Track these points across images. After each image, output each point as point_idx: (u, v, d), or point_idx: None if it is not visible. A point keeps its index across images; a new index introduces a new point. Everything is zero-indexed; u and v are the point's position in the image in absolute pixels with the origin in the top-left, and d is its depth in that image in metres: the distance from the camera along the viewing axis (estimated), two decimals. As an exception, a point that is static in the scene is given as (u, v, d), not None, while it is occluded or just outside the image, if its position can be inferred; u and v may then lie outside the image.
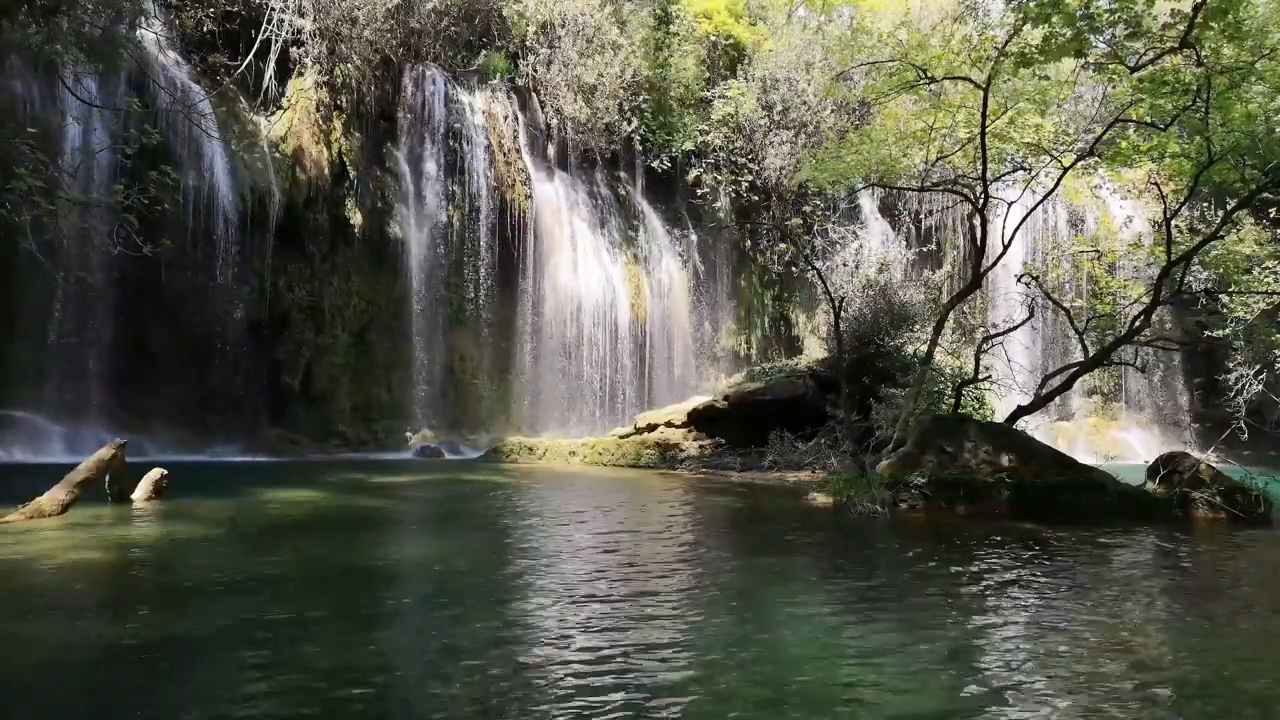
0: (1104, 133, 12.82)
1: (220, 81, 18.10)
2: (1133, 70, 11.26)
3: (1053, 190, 14.14)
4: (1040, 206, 15.30)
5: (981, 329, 20.86)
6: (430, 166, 21.89)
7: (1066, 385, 13.79)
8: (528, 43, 24.00)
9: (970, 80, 12.57)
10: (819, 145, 23.27)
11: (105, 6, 14.07)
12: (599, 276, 23.69)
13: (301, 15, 19.92)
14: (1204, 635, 4.85)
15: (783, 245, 26.79)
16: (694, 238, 26.34)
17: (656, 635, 4.48)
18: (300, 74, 20.12)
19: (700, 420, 17.69)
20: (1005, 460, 10.29)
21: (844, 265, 20.71)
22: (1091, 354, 13.45)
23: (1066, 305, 15.22)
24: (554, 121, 24.26)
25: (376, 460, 17.49)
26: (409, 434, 20.46)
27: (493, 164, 22.47)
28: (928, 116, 14.40)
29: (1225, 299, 19.32)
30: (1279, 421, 21.26)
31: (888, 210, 28.31)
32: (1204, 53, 10.39)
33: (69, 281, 15.87)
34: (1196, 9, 10.05)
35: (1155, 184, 14.83)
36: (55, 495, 7.93)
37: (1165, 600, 5.90)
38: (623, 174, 25.94)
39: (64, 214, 14.20)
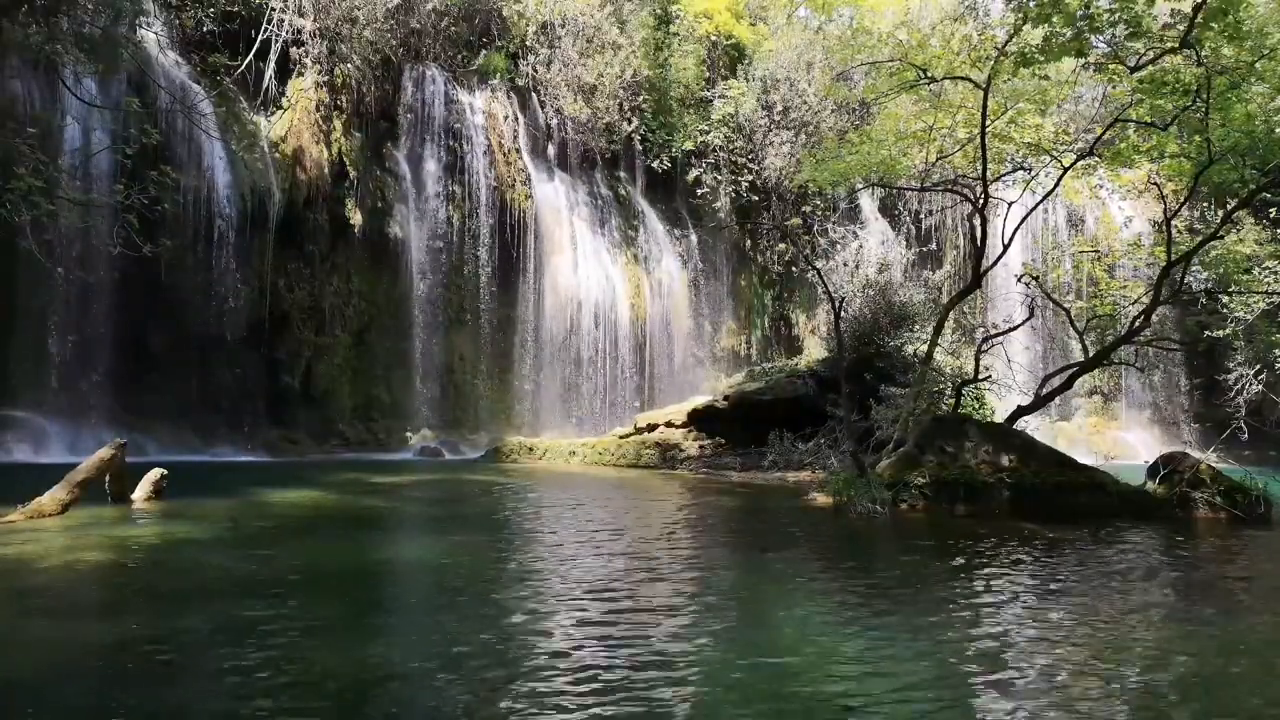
0: (1104, 133, 12.82)
1: (220, 81, 18.10)
2: (1133, 70, 11.27)
3: (1053, 190, 14.15)
4: (1040, 206, 15.31)
5: (981, 329, 20.85)
6: (430, 166, 21.89)
7: (1066, 385, 13.78)
8: (528, 43, 23.99)
9: (970, 80, 12.58)
10: (819, 145, 23.27)
11: (105, 6, 14.07)
12: (599, 276, 23.69)
13: (301, 15, 19.92)
14: (1204, 635, 4.84)
15: (783, 245, 26.80)
16: (694, 238, 26.34)
17: (655, 636, 4.48)
18: (300, 74, 20.12)
19: (700, 420, 17.68)
20: (1005, 460, 10.29)
21: (844, 265, 20.72)
22: (1091, 354, 13.45)
23: (1066, 305, 15.22)
24: (554, 121, 24.25)
25: (376, 460, 17.48)
26: (409, 434, 20.46)
27: (493, 164, 22.47)
28: (928, 116, 14.40)
29: (1225, 299, 19.33)
30: (1279, 421, 21.26)
31: (888, 210, 28.31)
32: (1204, 53, 10.39)
33: (69, 281, 15.87)
34: (1196, 9, 10.05)
35: (1155, 184, 14.84)
36: (55, 495, 7.92)
37: (1165, 600, 5.90)
38: (623, 174, 25.95)
39: (64, 214, 14.21)
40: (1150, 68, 11.13)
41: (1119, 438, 25.24)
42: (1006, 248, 13.46)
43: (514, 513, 10.06)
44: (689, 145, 25.61)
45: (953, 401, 13.57)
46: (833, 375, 15.20)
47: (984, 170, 12.45)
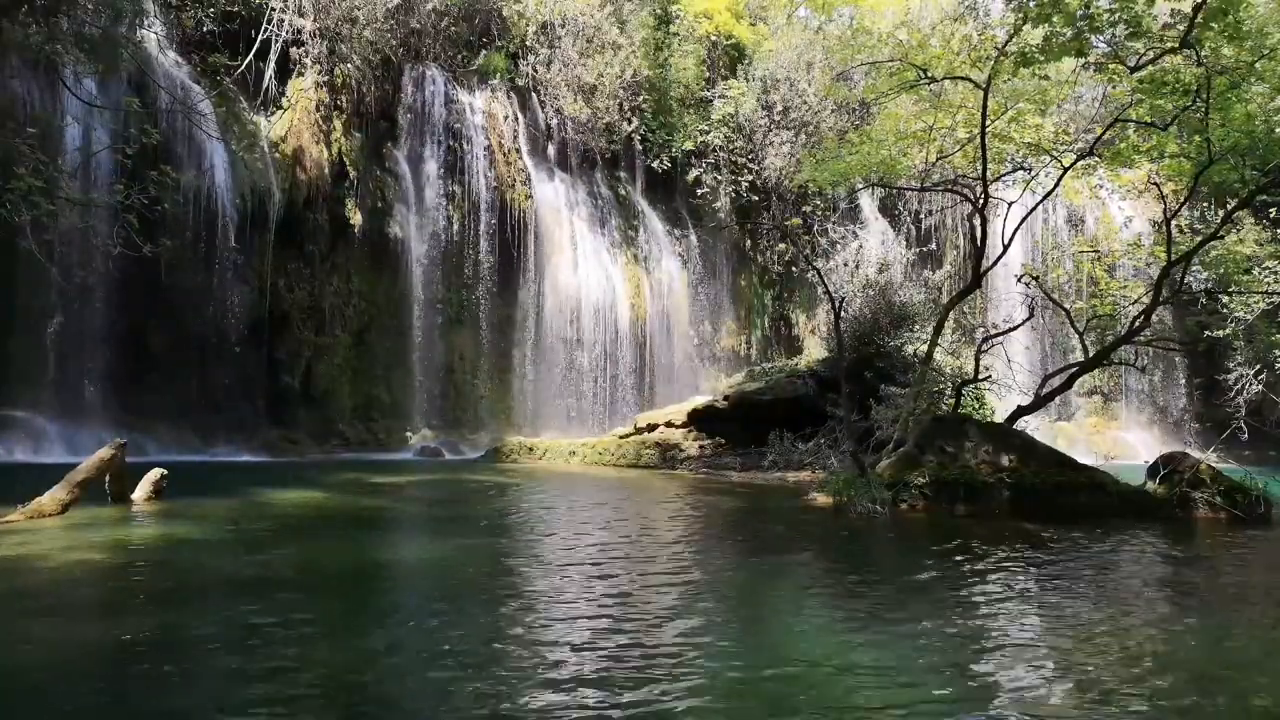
0: (1104, 133, 12.82)
1: (220, 81, 18.10)
2: (1133, 70, 11.26)
3: (1053, 190, 14.14)
4: (1040, 206, 15.30)
5: (981, 329, 20.85)
6: (430, 166, 21.89)
7: (1066, 385, 13.78)
8: (528, 43, 23.99)
9: (970, 80, 12.57)
10: (819, 145, 23.27)
11: (105, 6, 14.07)
12: (599, 276, 23.69)
13: (301, 15, 19.92)
14: (1204, 635, 4.84)
15: (783, 245, 26.81)
16: (694, 238, 26.34)
17: (657, 638, 4.48)
18: (300, 74, 20.12)
19: (700, 420, 17.68)
20: (1005, 460, 10.29)
21: (844, 265, 20.72)
22: (1091, 354, 13.45)
23: (1067, 305, 15.22)
24: (554, 121, 24.26)
25: (376, 460, 17.48)
26: (409, 434, 20.46)
27: (493, 164, 22.47)
28: (928, 116, 14.40)
29: (1225, 299, 19.34)
30: (1279, 421, 21.26)
31: (888, 210, 28.32)
32: (1204, 53, 10.39)
33: (69, 281, 15.86)
34: (1196, 9, 10.05)
35: (1155, 184, 14.84)
36: (55, 495, 7.92)
37: (1166, 600, 5.90)
38: (623, 174, 25.95)
39: (64, 214, 14.21)
40: (1150, 68, 11.13)
41: (1119, 438, 25.24)
42: (1006, 248, 13.46)
43: (514, 513, 10.06)
44: (689, 145, 25.61)
45: (953, 401, 13.57)
46: (833, 375, 15.19)
47: (984, 170, 12.45)
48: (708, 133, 25.72)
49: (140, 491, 9.00)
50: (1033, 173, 14.23)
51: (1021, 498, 9.71)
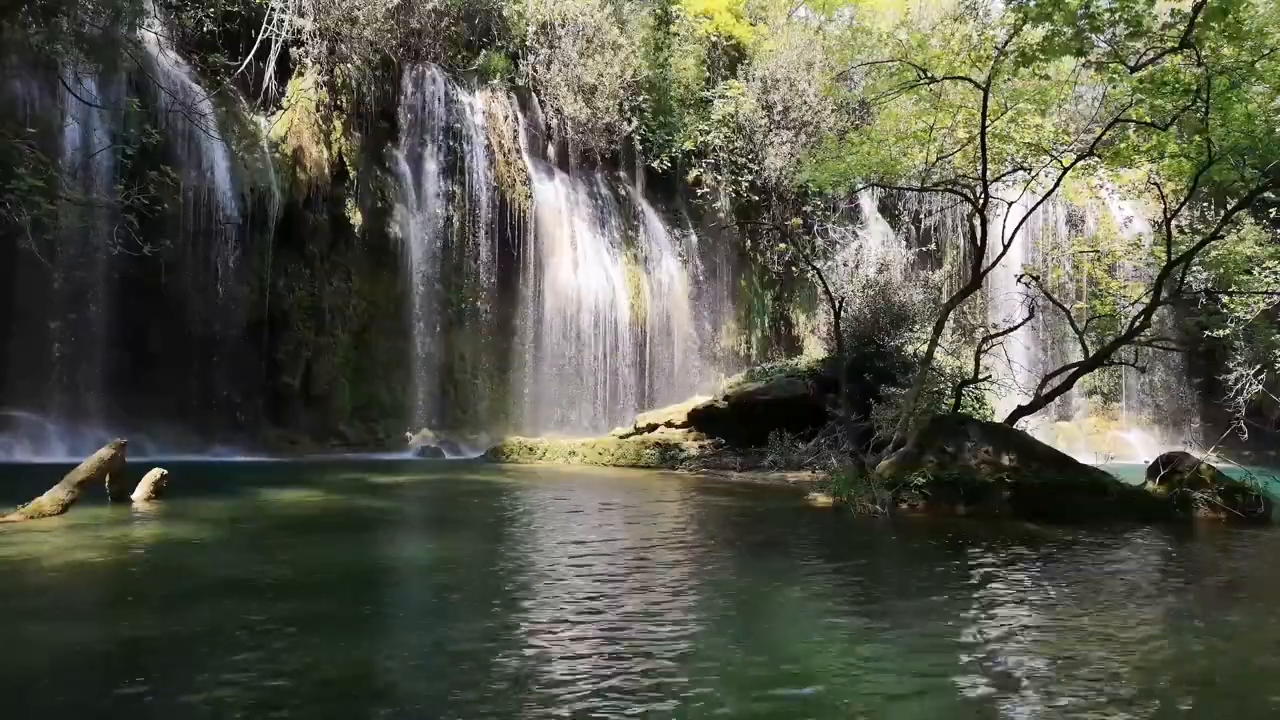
0: (1104, 133, 12.81)
1: (220, 81, 18.11)
2: (1133, 70, 11.25)
3: (1053, 190, 14.12)
4: (1040, 206, 15.28)
5: (981, 329, 20.83)
6: (430, 166, 21.89)
7: (1066, 385, 13.77)
8: (528, 43, 24.01)
9: (970, 80, 12.55)
10: (819, 145, 23.26)
11: (105, 6, 14.08)
12: (599, 276, 23.69)
13: (301, 15, 19.92)
14: (1205, 635, 4.84)
15: (783, 245, 26.80)
16: (694, 238, 26.34)
17: (657, 641, 4.48)
18: (300, 74, 20.12)
19: (700, 420, 17.68)
20: (1005, 460, 10.28)
21: (844, 265, 20.74)
22: (1091, 354, 13.44)
23: (1067, 305, 15.21)
24: (554, 121, 24.26)
25: (376, 460, 17.48)
26: (409, 434, 20.46)
27: (493, 164, 22.47)
28: (928, 116, 14.37)
29: (1225, 299, 19.32)
30: (1279, 421, 21.26)
31: (888, 210, 28.33)
32: (1204, 53, 10.38)
33: (69, 281, 15.86)
34: (1196, 9, 10.04)
35: (1155, 184, 14.83)
36: (55, 495, 7.92)
37: (1166, 600, 5.90)
38: (623, 174, 25.95)
39: (64, 214, 14.21)
40: (1150, 68, 11.12)
41: (1119, 438, 25.22)
42: (1006, 248, 13.44)
43: (514, 514, 10.06)
44: (689, 145, 25.61)
45: (953, 401, 13.56)
46: (833, 375, 15.20)
47: (984, 170, 12.44)
48: (708, 133, 25.72)
49: (140, 491, 9.00)
50: (1033, 173, 14.21)
51: (1021, 498, 9.71)
